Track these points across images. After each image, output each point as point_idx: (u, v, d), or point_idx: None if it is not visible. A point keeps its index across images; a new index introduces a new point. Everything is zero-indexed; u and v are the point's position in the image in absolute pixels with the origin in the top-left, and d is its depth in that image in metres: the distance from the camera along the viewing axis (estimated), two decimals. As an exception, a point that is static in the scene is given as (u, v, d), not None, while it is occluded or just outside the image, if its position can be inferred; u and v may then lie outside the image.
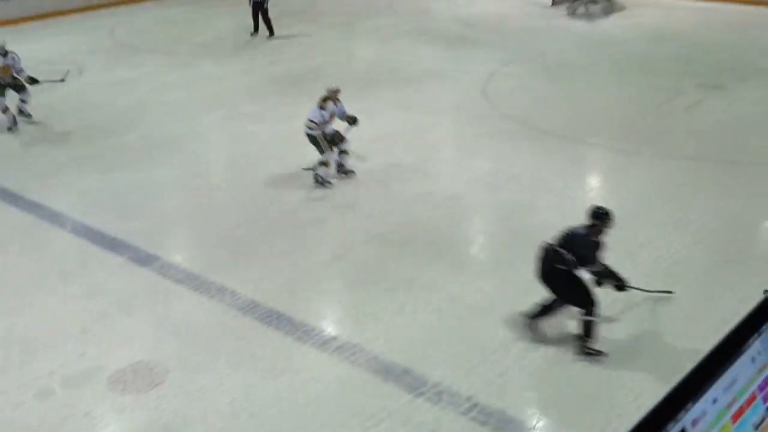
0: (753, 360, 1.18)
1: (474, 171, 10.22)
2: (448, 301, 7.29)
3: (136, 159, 10.95)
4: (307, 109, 9.91)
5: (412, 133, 11.53)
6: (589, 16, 18.50)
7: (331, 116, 9.88)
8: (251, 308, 7.25)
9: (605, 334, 6.64)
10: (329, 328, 7.05)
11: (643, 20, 18.08)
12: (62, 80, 12.93)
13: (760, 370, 1.19)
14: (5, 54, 11.93)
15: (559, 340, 6.64)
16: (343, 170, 10.10)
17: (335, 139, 9.90)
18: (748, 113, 12.00)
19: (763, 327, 1.18)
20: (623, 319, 6.93)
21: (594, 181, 10.39)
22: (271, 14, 17.23)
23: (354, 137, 10.19)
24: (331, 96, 9.98)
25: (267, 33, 17.42)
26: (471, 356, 6.47)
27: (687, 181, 9.77)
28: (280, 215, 9.18)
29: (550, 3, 19.70)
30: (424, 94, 13.30)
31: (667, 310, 7.07)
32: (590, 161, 10.92)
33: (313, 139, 9.77)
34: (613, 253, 7.89)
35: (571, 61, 15.20)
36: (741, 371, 1.16)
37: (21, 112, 12.37)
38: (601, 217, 6.50)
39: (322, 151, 9.79)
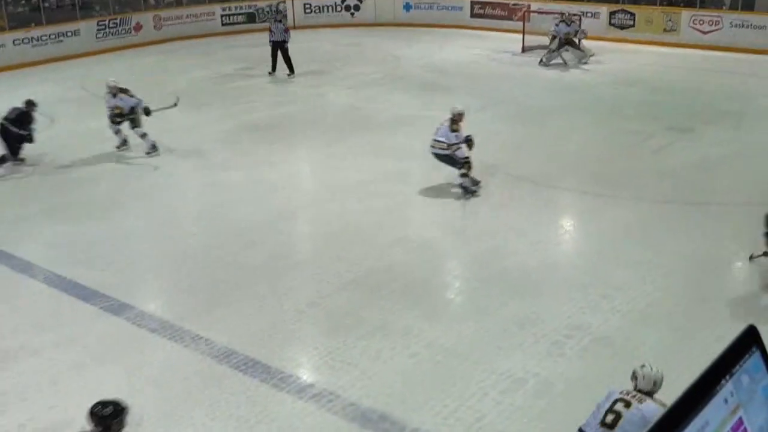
0: (726, 401, 1.18)
1: (447, 216, 10.27)
2: (424, 345, 7.27)
3: (108, 209, 10.88)
4: (280, 157, 9.94)
5: (384, 178, 11.59)
6: (558, 63, 18.80)
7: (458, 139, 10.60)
8: (226, 356, 7.18)
9: (579, 377, 6.66)
10: (305, 376, 6.99)
11: (610, 66, 18.42)
12: (175, 105, 13.67)
13: (733, 412, 1.19)
14: (115, 95, 12.82)
15: (536, 384, 6.63)
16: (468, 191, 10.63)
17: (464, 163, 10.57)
18: (714, 155, 12.21)
19: (735, 368, 1.19)
20: (598, 357, 6.94)
21: (566, 225, 10.48)
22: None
23: (328, 183, 10.22)
24: (457, 119, 10.73)
25: (287, 72, 17.96)
26: (449, 401, 6.43)
27: (658, 222, 9.88)
28: (254, 262, 9.14)
29: (521, 50, 20.02)
30: (396, 141, 13.40)
31: (642, 351, 7.09)
32: (562, 205, 11.03)
33: (442, 158, 10.57)
34: (588, 296, 7.97)
35: (542, 107, 15.41)
36: (713, 413, 1.17)
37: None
38: None
39: (457, 165, 10.50)
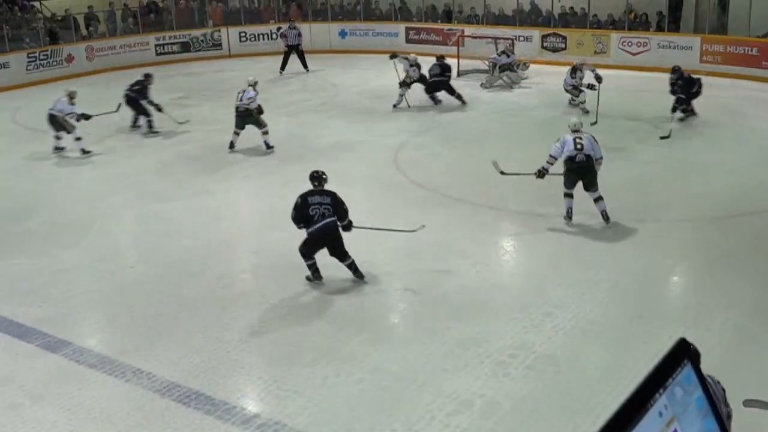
0: (660, 414, 1.21)
1: (389, 240, 10.27)
2: (369, 370, 7.25)
3: (41, 243, 10.64)
4: (219, 186, 9.84)
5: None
6: (498, 86, 19.07)
7: None
8: (169, 389, 7.05)
9: (525, 396, 6.71)
10: (251, 406, 6.91)
11: (546, 87, 18.75)
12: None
13: (668, 424, 1.22)
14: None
15: (483, 405, 6.66)
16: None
17: None
18: (647, 173, 12.50)
19: (668, 381, 1.22)
20: (542, 375, 7.01)
21: (506, 245, 10.59)
22: (158, 100, 17.21)
23: (269, 212, 10.17)
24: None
25: (303, 69, 21.30)
26: (396, 425, 6.42)
27: (596, 240, 10.06)
28: (195, 293, 9.02)
29: (456, 74, 20.25)
30: (337, 166, 13.35)
31: (585, 367, 7.19)
32: (502, 226, 11.14)
33: None
34: (531, 315, 8.06)
35: (480, 129, 15.60)
36: (649, 427, 1.20)
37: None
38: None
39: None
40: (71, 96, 14.73)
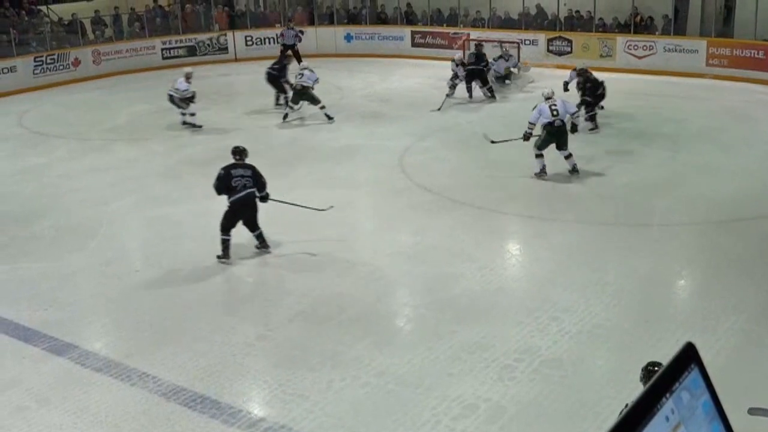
0: (667, 419, 1.20)
1: (395, 244, 10.29)
2: (375, 375, 7.25)
3: (48, 246, 10.67)
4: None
5: (333, 208, 11.56)
6: (499, 90, 19.06)
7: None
8: (175, 393, 7.06)
9: (531, 400, 6.71)
10: (256, 410, 6.91)
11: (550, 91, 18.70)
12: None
13: (674, 429, 1.22)
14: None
15: (488, 409, 6.65)
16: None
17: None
18: (653, 177, 12.47)
19: (675, 385, 1.22)
20: (548, 379, 7.00)
21: (512, 249, 10.58)
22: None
23: (275, 215, 10.19)
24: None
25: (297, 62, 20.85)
26: (401, 429, 6.42)
27: (602, 244, 10.04)
28: (201, 296, 9.03)
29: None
30: (343, 170, 13.42)
31: (592, 371, 7.18)
32: (507, 229, 11.14)
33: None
34: (537, 319, 8.05)
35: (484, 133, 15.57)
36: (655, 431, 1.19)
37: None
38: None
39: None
40: (188, 77, 16.16)
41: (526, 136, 12.30)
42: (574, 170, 12.26)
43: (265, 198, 9.73)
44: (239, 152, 9.81)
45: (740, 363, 7.09)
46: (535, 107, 12.25)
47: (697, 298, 8.96)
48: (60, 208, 12.24)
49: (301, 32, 22.57)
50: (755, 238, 10.06)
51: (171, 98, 16.38)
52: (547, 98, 12.08)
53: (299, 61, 21.58)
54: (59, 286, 9.46)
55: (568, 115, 12.18)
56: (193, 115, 16.47)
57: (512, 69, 19.49)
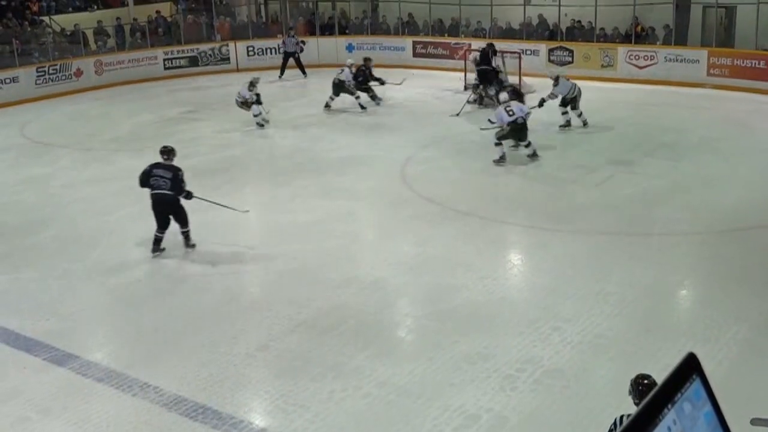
0: (669, 430, 1.20)
1: (397, 254, 10.29)
2: (376, 385, 7.24)
3: (50, 257, 10.67)
4: (226, 201, 9.86)
5: (334, 218, 11.58)
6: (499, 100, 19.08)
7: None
8: (176, 403, 7.05)
9: (532, 410, 6.69)
10: (257, 420, 6.90)
11: (550, 101, 18.72)
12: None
13: None
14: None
15: (490, 419, 6.64)
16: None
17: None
18: (655, 186, 12.48)
19: (677, 396, 1.22)
20: (550, 390, 6.99)
21: (514, 259, 10.58)
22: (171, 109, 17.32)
23: (276, 226, 10.20)
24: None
25: (302, 76, 22.32)
26: (403, 440, 6.40)
27: (603, 254, 10.04)
28: (203, 306, 9.03)
29: (463, 88, 20.27)
30: (344, 181, 13.43)
31: (593, 381, 7.17)
32: (509, 240, 11.15)
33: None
34: (539, 329, 8.04)
35: (486, 143, 15.58)
36: None
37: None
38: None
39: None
40: (252, 83, 16.86)
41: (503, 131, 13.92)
42: (534, 155, 13.91)
43: (187, 197, 10.19)
44: (166, 152, 10.24)
45: (742, 373, 7.08)
46: (495, 113, 14.15)
47: (699, 308, 8.94)
48: (62, 218, 12.25)
49: (303, 42, 22.92)
50: (757, 248, 10.06)
51: (237, 103, 17.13)
52: (503, 102, 14.09)
53: (302, 69, 22.18)
54: (61, 297, 9.46)
55: (526, 112, 13.90)
56: (255, 116, 16.99)
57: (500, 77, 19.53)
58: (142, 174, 10.21)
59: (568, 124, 16.06)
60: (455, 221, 11.33)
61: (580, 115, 16.01)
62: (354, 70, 18.49)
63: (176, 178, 10.04)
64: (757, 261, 9.66)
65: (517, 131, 13.85)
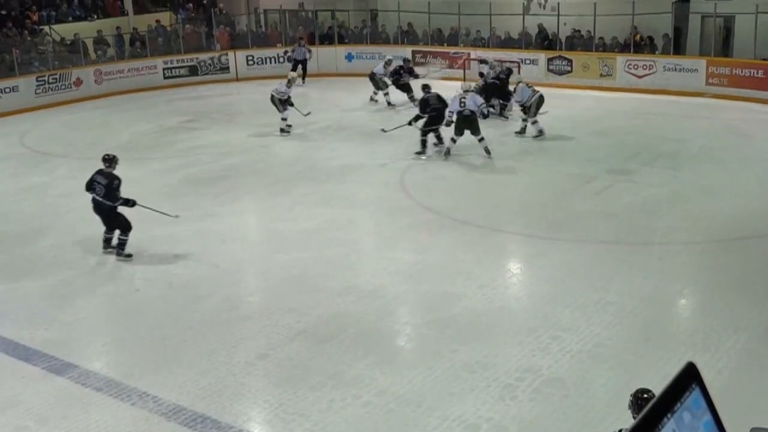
0: (669, 439, 1.21)
1: (396, 262, 10.29)
2: (376, 394, 7.22)
3: (49, 265, 10.66)
4: (226, 209, 9.85)
5: (333, 226, 11.58)
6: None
7: None
8: (175, 413, 7.03)
9: (532, 420, 6.68)
10: (257, 429, 6.89)
11: (549, 111, 18.76)
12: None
13: None
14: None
15: (490, 429, 6.62)
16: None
17: None
18: (654, 196, 12.49)
19: (676, 406, 1.22)
20: (549, 399, 6.97)
21: (513, 268, 10.57)
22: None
23: (276, 234, 10.19)
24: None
25: (301, 81, 21.95)
26: (403, 450, 6.38)
27: (603, 263, 10.03)
28: (202, 315, 9.02)
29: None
30: (344, 189, 13.44)
31: (593, 390, 7.16)
32: (509, 249, 11.15)
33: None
34: (538, 338, 8.03)
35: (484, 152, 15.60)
36: None
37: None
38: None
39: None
40: (291, 81, 17.59)
41: (448, 122, 14.87)
42: (487, 152, 14.70)
43: (125, 204, 10.49)
44: (108, 160, 10.51)
45: (742, 382, 7.07)
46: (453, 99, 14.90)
47: (698, 317, 8.94)
48: (61, 227, 12.24)
49: (310, 51, 23.61)
50: (757, 257, 10.06)
51: (272, 98, 17.45)
52: (465, 91, 14.97)
53: (304, 77, 22.74)
54: (59, 306, 9.45)
55: (476, 106, 14.71)
56: (284, 119, 17.34)
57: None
58: (89, 179, 10.56)
59: (522, 131, 16.38)
60: (454, 230, 11.33)
61: (534, 123, 16.18)
62: (390, 66, 19.62)
63: (110, 186, 10.29)
64: (756, 270, 9.65)
65: (462, 122, 14.62)
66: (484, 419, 6.73)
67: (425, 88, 15.65)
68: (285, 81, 17.58)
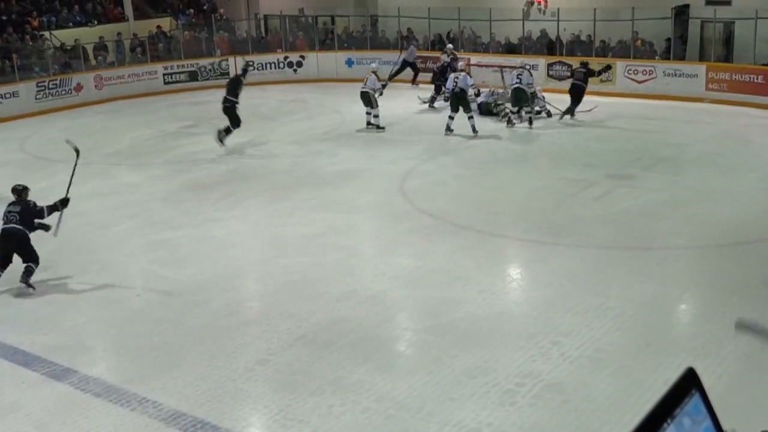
0: (669, 445, 1.20)
1: (396, 268, 10.28)
2: (376, 399, 7.21)
3: (49, 270, 10.62)
4: (226, 215, 9.85)
5: (332, 233, 11.58)
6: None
7: None
8: (175, 418, 7.02)
9: (532, 425, 6.67)
10: (256, 435, 6.87)
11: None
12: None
13: None
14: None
15: (490, 434, 6.61)
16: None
17: None
18: (654, 200, 12.49)
19: (676, 411, 1.22)
20: (550, 404, 6.96)
21: (513, 273, 10.56)
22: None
23: (275, 239, 10.18)
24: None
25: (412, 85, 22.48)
26: (403, 455, 6.37)
27: (603, 268, 10.02)
28: (202, 321, 9.01)
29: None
30: (343, 195, 13.44)
31: (593, 396, 7.14)
32: (508, 254, 11.14)
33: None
34: (538, 344, 8.03)
35: (485, 157, 15.63)
36: None
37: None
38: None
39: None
40: (375, 72, 18.15)
41: (447, 98, 17.51)
42: (473, 130, 16.59)
43: (42, 228, 10.28)
44: (16, 192, 10.28)
45: (742, 388, 7.06)
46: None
47: (698, 322, 8.93)
48: (61, 232, 12.21)
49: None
50: (756, 262, 10.05)
51: (364, 95, 17.82)
52: (460, 71, 17.37)
53: (415, 78, 22.96)
54: (60, 311, 9.44)
55: (467, 85, 16.71)
56: (376, 117, 17.80)
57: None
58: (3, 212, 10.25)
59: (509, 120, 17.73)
60: (454, 235, 11.32)
61: (528, 112, 17.61)
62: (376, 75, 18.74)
63: (26, 212, 10.06)
64: (756, 275, 9.64)
65: (455, 98, 16.71)
66: (485, 425, 6.72)
67: (460, 71, 17.28)
68: (372, 75, 17.92)
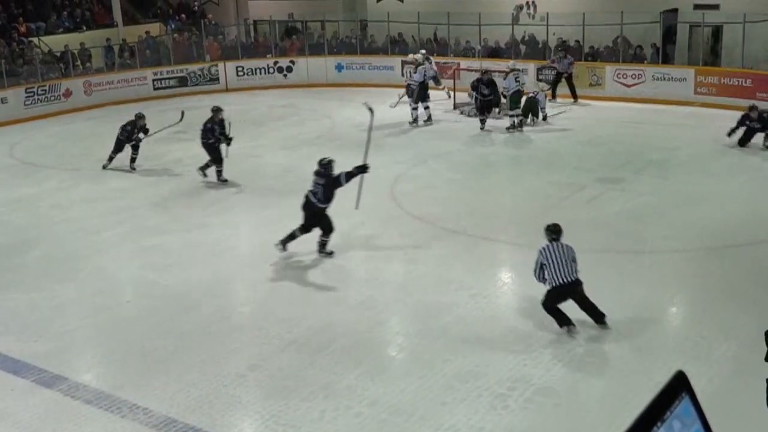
0: (659, 448, 1.21)
1: (386, 272, 10.28)
2: (368, 404, 7.21)
3: (38, 277, 10.60)
4: (215, 220, 9.84)
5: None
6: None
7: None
8: (166, 425, 7.00)
9: (524, 429, 6.67)
10: (248, 441, 6.85)
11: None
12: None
13: None
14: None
15: (482, 438, 6.61)
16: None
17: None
18: (644, 204, 12.52)
19: (666, 414, 1.22)
20: (541, 408, 6.97)
21: (504, 277, 10.58)
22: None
23: (265, 245, 10.16)
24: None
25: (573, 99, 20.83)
26: (394, 460, 6.37)
27: (593, 272, 9.99)
28: (192, 327, 8.98)
29: (452, 107, 20.32)
30: (335, 199, 13.38)
31: (584, 399, 7.16)
32: (499, 258, 11.15)
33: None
34: (529, 347, 8.03)
35: (475, 161, 15.66)
36: None
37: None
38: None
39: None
40: (416, 62, 19.27)
41: (410, 92, 18.45)
42: (428, 119, 18.32)
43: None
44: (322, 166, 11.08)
45: (732, 390, 7.08)
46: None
47: (689, 325, 8.95)
48: (51, 238, 12.19)
49: (572, 63, 20.93)
50: (746, 265, 10.09)
51: (408, 87, 18.80)
52: (426, 59, 19.07)
53: (573, 91, 20.51)
54: (49, 317, 9.40)
55: (431, 76, 18.47)
56: (415, 109, 18.50)
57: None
58: None
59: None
60: (445, 239, 11.33)
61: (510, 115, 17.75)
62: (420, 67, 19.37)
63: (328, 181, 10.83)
64: (746, 278, 9.69)
65: (421, 89, 18.15)
66: (476, 429, 6.72)
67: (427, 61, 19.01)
68: (413, 71, 18.81)
